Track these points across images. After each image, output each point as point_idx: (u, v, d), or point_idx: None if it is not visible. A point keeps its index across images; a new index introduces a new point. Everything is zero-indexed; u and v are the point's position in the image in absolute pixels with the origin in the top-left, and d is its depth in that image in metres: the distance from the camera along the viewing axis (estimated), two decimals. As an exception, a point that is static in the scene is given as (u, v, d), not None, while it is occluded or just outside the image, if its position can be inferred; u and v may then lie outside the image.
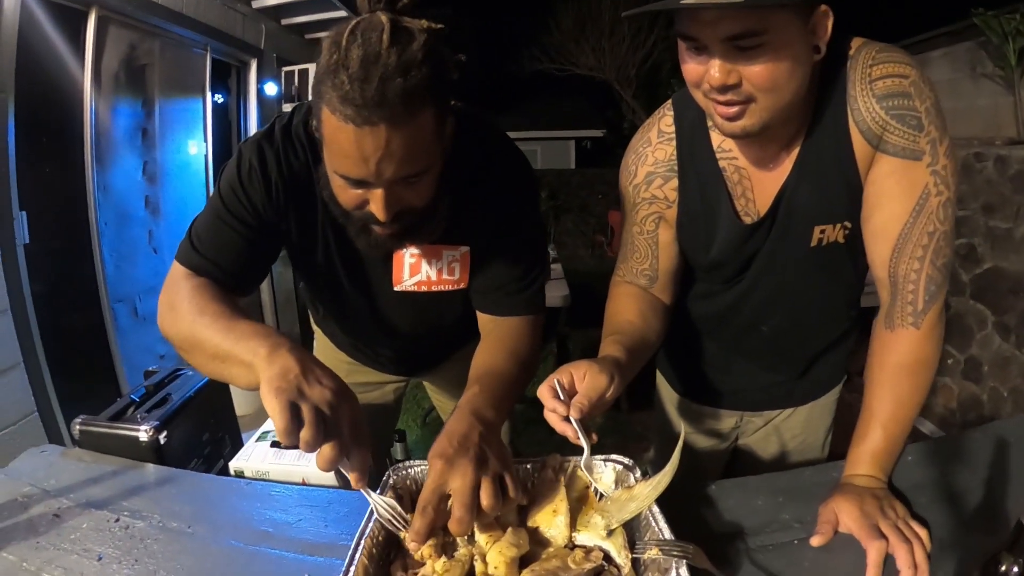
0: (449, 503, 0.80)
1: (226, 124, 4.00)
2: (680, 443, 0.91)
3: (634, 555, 0.87)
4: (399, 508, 0.84)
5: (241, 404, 1.73)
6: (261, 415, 0.92)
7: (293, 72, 4.24)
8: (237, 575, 0.93)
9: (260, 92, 4.09)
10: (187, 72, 3.31)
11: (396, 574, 0.81)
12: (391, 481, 0.93)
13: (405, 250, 1.13)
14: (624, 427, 3.45)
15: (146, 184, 3.00)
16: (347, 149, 0.85)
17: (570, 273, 3.84)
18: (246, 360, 0.83)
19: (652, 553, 0.84)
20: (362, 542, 0.81)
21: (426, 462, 0.88)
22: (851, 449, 1.02)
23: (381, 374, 1.49)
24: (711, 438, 1.49)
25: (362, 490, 0.82)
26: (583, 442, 0.92)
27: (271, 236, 1.07)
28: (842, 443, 1.12)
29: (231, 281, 1.02)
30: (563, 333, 3.88)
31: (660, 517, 0.89)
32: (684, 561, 0.81)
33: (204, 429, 1.50)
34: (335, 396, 0.79)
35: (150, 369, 1.63)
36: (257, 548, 0.97)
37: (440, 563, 0.79)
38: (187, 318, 0.94)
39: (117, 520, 1.07)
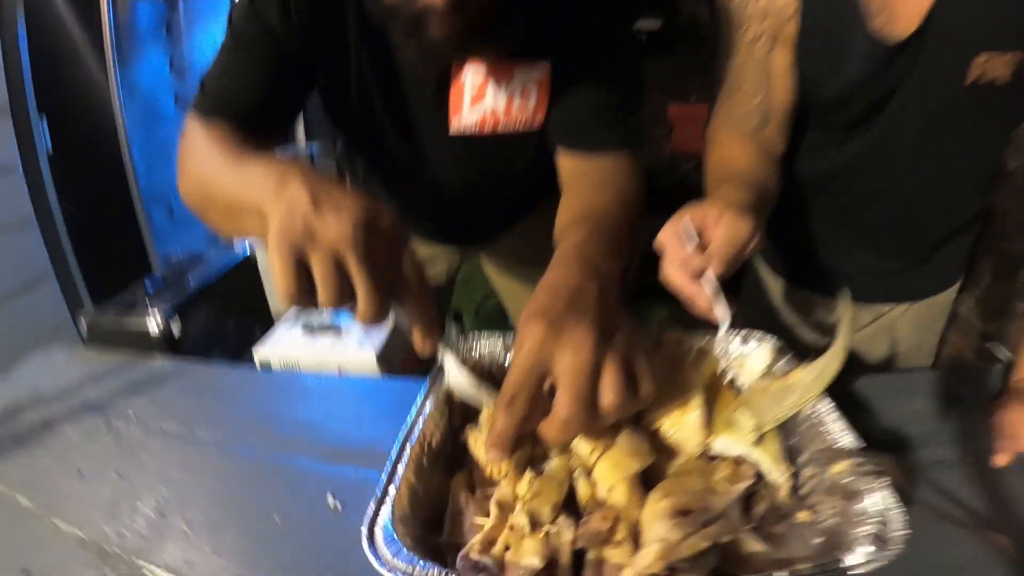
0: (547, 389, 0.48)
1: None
2: (848, 309, 0.61)
3: (796, 469, 0.57)
4: (485, 386, 0.55)
5: (273, 293, 1.43)
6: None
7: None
8: (236, 494, 0.65)
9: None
10: (212, -37, 2.92)
11: (458, 495, 0.51)
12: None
13: (466, 69, 0.79)
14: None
15: (175, 80, 2.66)
16: None
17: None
18: (255, 204, 0.54)
19: (838, 467, 0.53)
20: (407, 449, 0.51)
21: (504, 333, 0.58)
22: (1020, 351, 0.74)
23: (430, 246, 1.17)
24: (814, 332, 1.16)
25: (435, 349, 0.54)
26: (719, 312, 0.60)
27: (293, 67, 0.78)
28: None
29: (250, 123, 0.76)
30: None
31: (834, 416, 0.57)
32: (884, 481, 0.50)
33: (228, 318, 1.23)
34: (361, 227, 0.48)
35: (172, 256, 1.35)
36: (269, 456, 0.69)
37: (524, 483, 0.49)
38: (195, 170, 0.70)
39: (108, 425, 0.81)
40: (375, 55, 0.79)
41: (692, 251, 0.60)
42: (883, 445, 0.65)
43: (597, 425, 0.48)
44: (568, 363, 0.46)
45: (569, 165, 0.83)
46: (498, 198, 1.04)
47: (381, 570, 0.41)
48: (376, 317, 0.48)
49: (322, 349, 0.97)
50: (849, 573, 0.45)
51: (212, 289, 1.20)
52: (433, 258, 1.19)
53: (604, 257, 0.58)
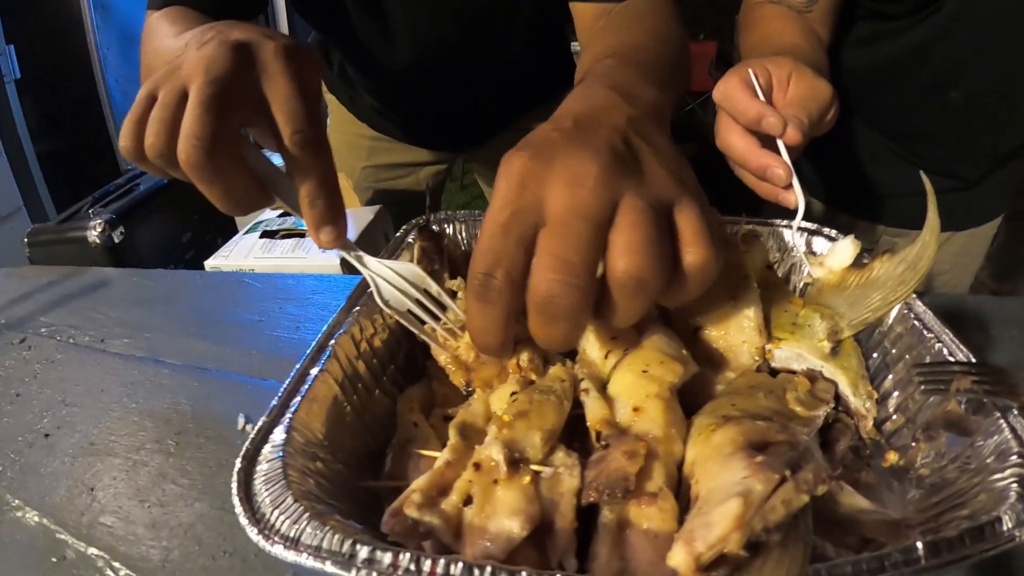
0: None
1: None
2: (931, 195, 0.41)
3: (879, 397, 0.39)
4: (433, 285, 0.34)
5: None
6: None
7: None
8: (133, 415, 0.47)
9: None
10: None
11: (406, 414, 0.32)
12: (412, 241, 0.42)
13: None
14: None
15: (153, -1, 2.40)
16: None
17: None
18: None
19: (960, 385, 0.34)
20: (330, 346, 0.31)
21: (481, 212, 0.39)
22: None
23: (414, 151, 0.95)
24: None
25: (341, 253, 0.33)
26: (797, 190, 0.41)
27: None
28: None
29: (210, 3, 0.60)
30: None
31: (939, 324, 0.38)
32: (1015, 409, 0.31)
33: (185, 228, 1.02)
34: (227, 50, 0.32)
35: (130, 166, 1.14)
36: (181, 368, 0.50)
37: (500, 395, 0.30)
38: (146, 59, 0.55)
39: (22, 341, 0.63)
40: None
41: (768, 105, 0.40)
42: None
43: (603, 316, 0.27)
44: (558, 205, 0.26)
45: (589, 19, 0.62)
46: (489, 82, 0.82)
47: (248, 529, 0.22)
48: (200, 162, 0.30)
49: (281, 254, 0.77)
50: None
51: (162, 194, 0.99)
52: (418, 164, 0.98)
53: (640, 84, 0.36)
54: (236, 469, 0.25)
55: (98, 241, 0.88)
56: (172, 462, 0.40)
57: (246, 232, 0.87)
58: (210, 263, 0.81)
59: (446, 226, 0.47)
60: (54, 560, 0.37)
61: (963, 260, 0.91)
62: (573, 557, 0.23)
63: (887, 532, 0.29)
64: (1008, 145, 0.80)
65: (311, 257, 0.76)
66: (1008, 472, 0.30)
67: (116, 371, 0.53)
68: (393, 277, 0.32)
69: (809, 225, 0.48)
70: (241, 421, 0.42)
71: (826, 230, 0.48)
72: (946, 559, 0.24)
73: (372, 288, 0.33)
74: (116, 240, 0.87)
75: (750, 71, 0.44)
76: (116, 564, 0.36)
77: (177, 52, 0.42)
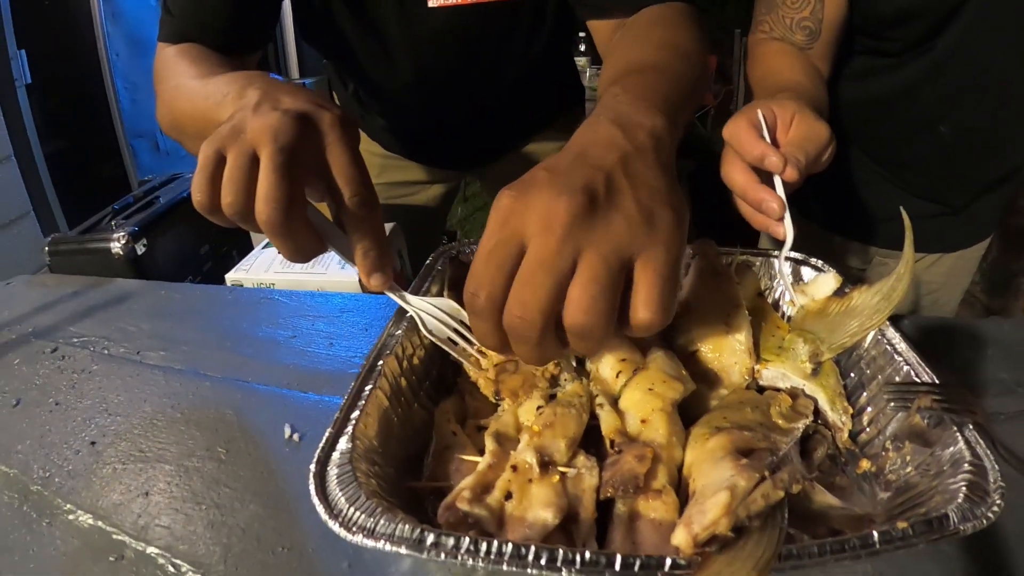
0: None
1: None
2: (909, 231, 0.47)
3: (855, 411, 0.45)
4: (464, 312, 0.40)
5: None
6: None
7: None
8: (178, 425, 0.52)
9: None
10: None
11: (445, 426, 0.38)
12: (441, 268, 0.48)
13: None
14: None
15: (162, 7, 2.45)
16: None
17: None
18: (218, 119, 0.45)
19: (921, 404, 0.40)
20: (379, 365, 0.37)
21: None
22: None
23: (424, 170, 1.01)
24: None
25: (387, 293, 0.40)
26: (787, 224, 0.47)
27: None
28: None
29: (223, 40, 0.67)
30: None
31: (906, 346, 0.44)
32: (969, 423, 0.38)
33: (203, 240, 1.07)
34: (289, 119, 0.37)
35: (146, 178, 1.19)
36: (220, 380, 0.56)
37: (528, 408, 0.36)
38: (166, 96, 0.61)
39: (54, 350, 0.68)
40: None
41: (771, 145, 0.46)
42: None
43: (557, 352, 0.32)
44: (529, 251, 0.31)
45: (607, 34, 0.67)
46: (495, 101, 0.88)
47: (330, 523, 0.28)
48: (278, 222, 0.35)
49: (301, 270, 0.83)
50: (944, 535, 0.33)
51: (181, 207, 1.04)
52: (428, 182, 1.03)
53: (643, 112, 0.40)
54: (312, 473, 0.30)
55: (121, 253, 0.93)
56: (224, 468, 0.46)
57: (264, 247, 0.92)
58: (231, 276, 0.87)
59: (469, 251, 0.52)
60: (112, 559, 0.41)
61: (952, 280, 0.98)
62: (594, 541, 0.29)
63: (852, 525, 0.35)
64: (994, 174, 0.87)
65: (330, 273, 0.81)
66: (960, 478, 0.36)
67: (156, 382, 0.58)
68: (433, 311, 0.38)
69: (797, 255, 0.55)
70: (288, 431, 0.47)
71: (813, 260, 0.54)
72: (896, 545, 0.30)
73: (417, 321, 0.39)
74: (139, 252, 0.92)
75: (759, 112, 0.51)
76: (177, 561, 0.40)
77: (209, 98, 0.49)
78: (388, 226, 0.93)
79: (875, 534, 0.30)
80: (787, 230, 0.48)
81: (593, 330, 0.30)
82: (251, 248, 1.06)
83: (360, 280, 0.39)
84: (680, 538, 0.25)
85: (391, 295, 0.39)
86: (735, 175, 0.49)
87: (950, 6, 0.67)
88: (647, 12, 0.62)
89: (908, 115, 0.81)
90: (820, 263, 0.54)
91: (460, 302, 0.44)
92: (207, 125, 0.46)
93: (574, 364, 0.40)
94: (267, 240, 0.94)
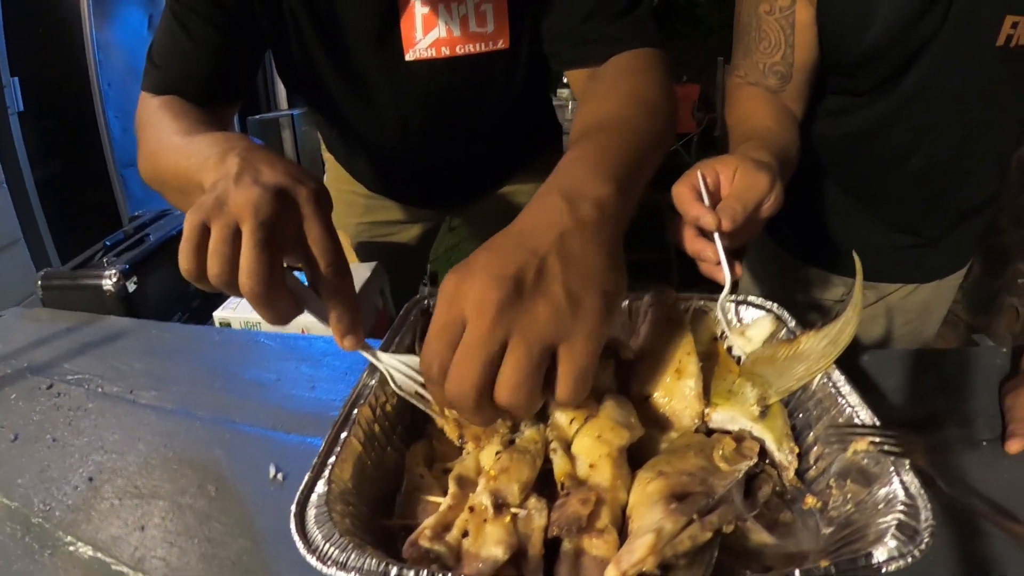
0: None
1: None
2: (859, 275, 0.55)
3: (802, 450, 0.49)
4: None
5: None
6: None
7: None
8: (171, 463, 0.56)
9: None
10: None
11: (414, 469, 0.42)
12: (415, 315, 0.53)
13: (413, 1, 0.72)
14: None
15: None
16: None
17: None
18: (199, 180, 0.50)
19: (855, 447, 0.45)
20: (354, 414, 0.42)
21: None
22: None
23: (407, 209, 1.06)
24: (819, 311, 1.09)
25: (360, 352, 0.44)
26: (725, 271, 0.52)
27: (237, 28, 0.72)
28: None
29: (204, 91, 0.72)
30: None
31: (848, 388, 0.49)
32: (907, 464, 0.42)
33: (191, 279, 1.12)
34: (269, 193, 0.42)
35: (136, 213, 1.25)
36: (211, 421, 0.60)
37: (488, 453, 0.40)
38: (148, 147, 0.65)
39: (50, 387, 0.73)
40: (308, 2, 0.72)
41: (705, 206, 0.52)
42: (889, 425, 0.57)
43: (495, 416, 0.37)
44: (467, 330, 0.35)
45: (581, 81, 0.72)
46: (472, 146, 0.93)
47: (308, 557, 0.32)
48: (259, 294, 0.40)
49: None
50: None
51: (171, 244, 1.09)
52: (409, 222, 1.09)
53: (593, 181, 0.44)
54: (292, 513, 0.35)
55: (112, 290, 0.98)
56: (214, 504, 0.50)
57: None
58: (219, 315, 0.92)
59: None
60: (112, 587, 0.46)
61: (929, 309, 1.03)
62: (541, 574, 0.33)
63: (785, 562, 0.40)
64: (966, 206, 0.93)
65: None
66: (891, 517, 0.40)
67: (149, 422, 0.63)
68: (401, 367, 0.44)
69: (740, 297, 0.60)
70: (272, 470, 0.52)
71: (756, 300, 0.59)
72: (818, 583, 0.34)
73: (387, 377, 0.44)
74: (130, 290, 0.97)
75: (699, 174, 0.56)
76: (173, 589, 0.45)
77: (191, 158, 0.52)
78: (370, 265, 0.98)
79: (797, 572, 0.34)
80: (726, 276, 0.53)
81: (520, 405, 0.35)
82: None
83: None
84: (611, 574, 0.30)
85: (363, 353, 0.44)
86: (679, 232, 0.54)
87: (913, 48, 0.74)
88: (617, 60, 0.67)
89: (879, 150, 0.87)
90: (762, 300, 0.59)
91: None
92: (188, 184, 0.52)
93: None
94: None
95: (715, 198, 0.54)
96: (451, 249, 2.81)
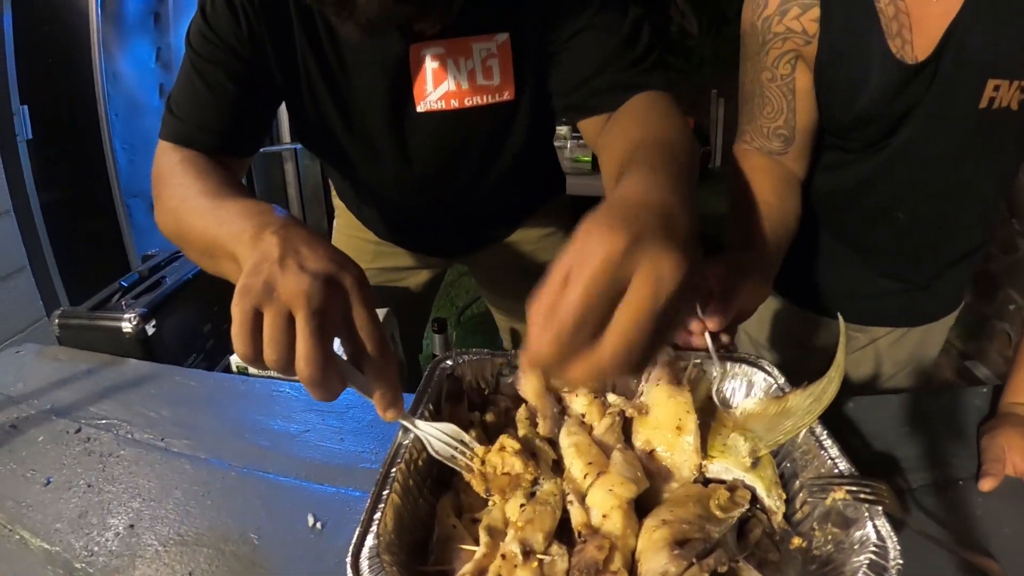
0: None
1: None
2: (843, 336, 0.59)
3: (789, 496, 0.57)
4: (464, 436, 0.52)
5: None
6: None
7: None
8: (211, 511, 0.62)
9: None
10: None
11: (445, 520, 0.49)
12: (439, 377, 0.60)
13: (423, 53, 0.78)
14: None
15: (160, 71, 2.61)
16: None
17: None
18: (232, 251, 0.55)
19: (834, 495, 0.52)
20: (392, 473, 0.49)
21: (488, 351, 0.58)
22: (1014, 372, 0.78)
23: (414, 256, 1.13)
24: (812, 353, 1.16)
25: (401, 421, 0.51)
26: (714, 360, 0.61)
27: (253, 79, 0.77)
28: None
29: (221, 143, 0.76)
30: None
31: (829, 442, 0.57)
32: (880, 509, 0.50)
33: (206, 319, 1.19)
34: (319, 283, 0.47)
35: (149, 253, 1.32)
36: (246, 470, 0.67)
37: (513, 505, 0.47)
38: (171, 203, 0.68)
39: (78, 431, 0.78)
40: (320, 52, 0.78)
41: (697, 316, 0.61)
42: (872, 468, 0.65)
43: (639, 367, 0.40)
44: (649, 290, 0.37)
45: (597, 126, 0.77)
46: (482, 194, 0.99)
47: (364, 603, 0.39)
48: (316, 379, 0.45)
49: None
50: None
51: (187, 287, 1.16)
52: (418, 268, 1.16)
53: (662, 187, 0.47)
54: (348, 564, 0.42)
55: (132, 333, 1.04)
56: (259, 552, 0.56)
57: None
58: (235, 360, 0.98)
59: (463, 360, 0.65)
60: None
61: (920, 351, 1.11)
62: (563, 614, 0.40)
63: (772, 598, 0.47)
64: (951, 256, 1.00)
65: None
66: (864, 556, 0.48)
67: (183, 470, 0.69)
68: (437, 434, 0.51)
69: (731, 352, 0.67)
70: (311, 519, 0.58)
71: (749, 357, 0.67)
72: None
73: (425, 443, 0.51)
74: (149, 333, 1.04)
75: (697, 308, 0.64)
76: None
77: (222, 226, 0.56)
78: (382, 312, 1.05)
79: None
80: (715, 363, 0.62)
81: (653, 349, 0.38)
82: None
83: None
84: (622, 611, 0.37)
85: (404, 423, 0.51)
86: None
87: (901, 112, 0.82)
88: (636, 100, 0.73)
89: (868, 203, 0.95)
90: (763, 362, 0.66)
91: (456, 412, 0.57)
92: (217, 250, 0.57)
93: (551, 466, 0.52)
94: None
95: (706, 298, 0.62)
96: (453, 283, 2.89)
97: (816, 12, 0.81)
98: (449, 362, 0.62)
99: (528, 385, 0.57)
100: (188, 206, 0.65)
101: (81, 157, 2.33)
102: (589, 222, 0.40)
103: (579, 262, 0.38)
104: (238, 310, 0.46)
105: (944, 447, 0.72)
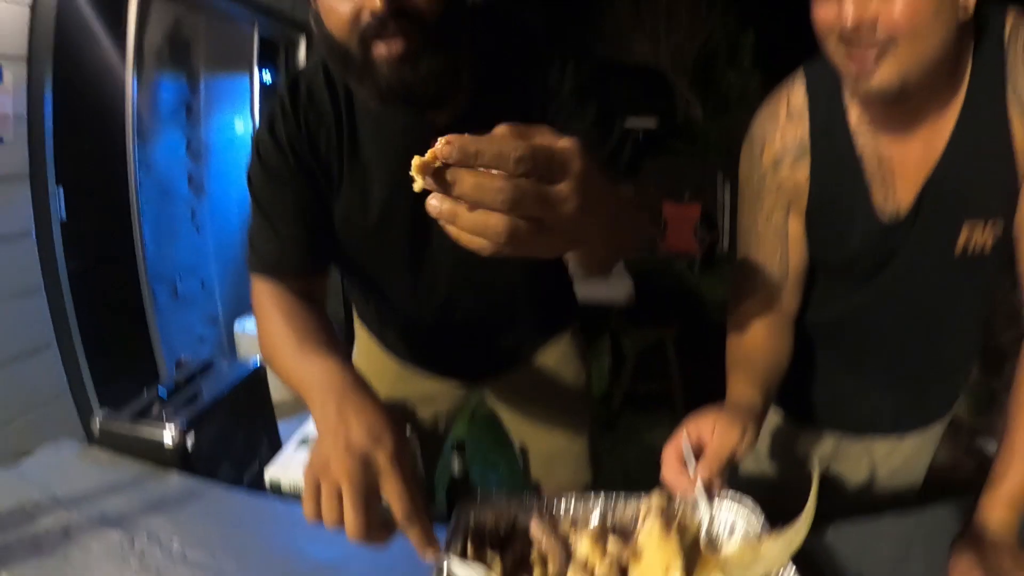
0: None
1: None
2: (815, 485, 0.69)
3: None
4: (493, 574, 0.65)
5: (278, 389, 1.42)
6: (300, 404, 0.77)
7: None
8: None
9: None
10: (233, 49, 3.05)
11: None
12: (465, 520, 0.71)
13: None
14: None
15: (190, 161, 2.78)
16: None
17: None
18: (305, 396, 0.73)
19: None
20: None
21: (511, 497, 0.72)
22: (987, 490, 0.82)
23: (436, 381, 1.22)
24: (802, 463, 1.25)
25: (435, 562, 0.63)
26: (702, 507, 0.73)
27: (311, 206, 0.89)
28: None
29: (301, 262, 0.89)
30: (617, 330, 2.97)
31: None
32: None
33: (238, 429, 1.30)
34: (359, 464, 0.61)
35: (181, 359, 1.43)
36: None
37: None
38: (265, 339, 0.86)
39: (132, 544, 0.87)
40: (355, 170, 0.88)
41: (690, 468, 0.73)
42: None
43: None
44: None
45: None
46: (493, 315, 1.08)
47: None
48: (360, 538, 0.59)
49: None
50: None
51: (227, 405, 1.27)
52: (436, 396, 1.24)
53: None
54: None
55: (172, 445, 1.14)
56: None
57: (297, 446, 1.14)
58: (270, 475, 1.07)
59: (486, 505, 0.75)
60: None
61: (914, 458, 1.18)
62: None
63: None
64: (940, 371, 1.10)
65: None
66: None
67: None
68: (472, 573, 0.62)
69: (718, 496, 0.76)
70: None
71: (736, 496, 0.75)
72: None
73: None
74: (190, 446, 1.14)
75: (684, 443, 0.76)
76: None
77: (302, 381, 0.73)
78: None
79: None
80: (706, 511, 0.73)
81: None
82: (277, 434, 1.30)
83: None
84: None
85: (446, 561, 0.63)
86: (671, 484, 0.75)
87: (883, 256, 0.93)
88: None
89: (858, 331, 1.06)
90: (737, 495, 0.75)
91: (481, 550, 0.67)
92: (296, 388, 0.75)
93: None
94: (299, 440, 1.16)
95: (699, 449, 0.74)
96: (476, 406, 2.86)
97: (807, 164, 0.92)
98: (473, 512, 0.73)
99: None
100: (277, 348, 0.82)
101: (110, 240, 2.46)
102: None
103: None
104: (307, 481, 0.62)
105: (920, 565, 0.80)
